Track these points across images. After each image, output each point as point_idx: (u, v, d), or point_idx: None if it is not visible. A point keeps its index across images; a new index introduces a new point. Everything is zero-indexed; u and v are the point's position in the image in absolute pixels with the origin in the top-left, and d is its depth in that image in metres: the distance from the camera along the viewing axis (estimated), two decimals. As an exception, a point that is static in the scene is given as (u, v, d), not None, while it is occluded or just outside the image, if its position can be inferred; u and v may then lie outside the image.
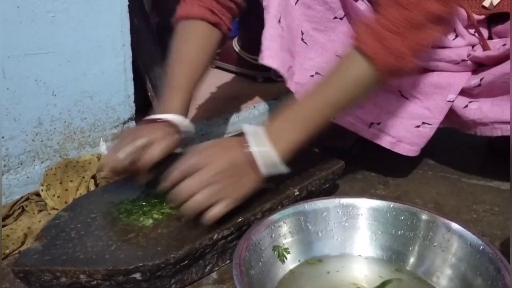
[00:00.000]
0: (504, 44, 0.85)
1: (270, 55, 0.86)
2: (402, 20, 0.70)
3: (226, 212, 0.69)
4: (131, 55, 0.99)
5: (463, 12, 0.89)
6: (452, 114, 0.95)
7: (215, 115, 1.23)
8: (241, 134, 0.73)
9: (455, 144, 1.14)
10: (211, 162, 0.68)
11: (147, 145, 0.77)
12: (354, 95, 0.76)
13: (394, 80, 0.79)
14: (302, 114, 0.74)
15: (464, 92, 0.92)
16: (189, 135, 0.87)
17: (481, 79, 0.88)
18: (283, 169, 0.72)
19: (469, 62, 0.90)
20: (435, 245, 0.68)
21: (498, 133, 0.89)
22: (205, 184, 0.67)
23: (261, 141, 0.71)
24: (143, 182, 0.79)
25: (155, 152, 0.78)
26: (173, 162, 0.71)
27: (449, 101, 0.92)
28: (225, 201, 0.69)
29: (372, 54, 0.71)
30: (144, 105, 1.13)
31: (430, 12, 0.71)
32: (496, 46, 0.88)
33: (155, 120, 0.83)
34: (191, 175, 0.68)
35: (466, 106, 0.92)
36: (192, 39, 0.92)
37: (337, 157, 0.93)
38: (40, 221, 0.81)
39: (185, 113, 0.87)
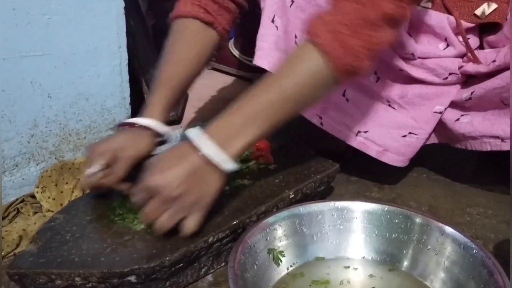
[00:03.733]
0: (494, 61, 0.86)
1: (261, 55, 0.86)
2: (357, 15, 0.68)
3: (199, 223, 0.69)
4: (127, 57, 0.99)
5: (453, 19, 0.89)
6: (442, 127, 0.95)
7: (211, 116, 1.23)
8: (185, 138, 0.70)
9: (449, 147, 1.14)
10: (169, 178, 0.66)
11: (115, 157, 0.78)
12: (309, 92, 0.72)
13: (348, 82, 0.77)
14: (250, 113, 0.69)
15: (456, 105, 0.93)
16: (169, 138, 0.86)
17: (471, 93, 0.89)
18: (235, 165, 0.69)
19: (459, 75, 0.90)
20: (429, 248, 0.68)
21: (488, 147, 0.90)
22: (168, 204, 0.66)
23: (207, 143, 0.67)
24: (122, 193, 0.78)
25: (120, 170, 0.78)
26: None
27: (435, 112, 0.92)
28: (195, 213, 0.68)
29: (330, 50, 0.68)
30: (139, 107, 1.13)
31: (384, 12, 0.69)
32: (487, 58, 0.89)
33: (132, 124, 0.83)
34: (153, 196, 0.66)
35: (458, 119, 0.92)
36: (182, 38, 0.90)
37: (332, 160, 0.93)
38: (35, 223, 0.81)
39: (162, 115, 0.85)
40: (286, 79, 0.70)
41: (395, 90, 0.92)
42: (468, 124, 0.91)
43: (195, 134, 0.68)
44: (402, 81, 0.93)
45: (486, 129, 0.89)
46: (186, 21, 0.89)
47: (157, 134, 0.83)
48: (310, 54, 0.69)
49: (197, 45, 0.90)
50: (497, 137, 0.88)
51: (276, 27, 0.85)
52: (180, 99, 0.90)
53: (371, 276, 0.69)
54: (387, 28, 0.70)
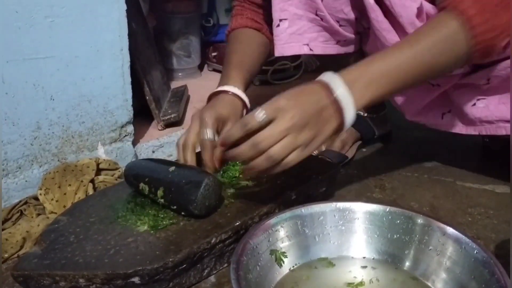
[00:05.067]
0: (506, 47, 0.85)
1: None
2: None
3: (301, 160, 0.68)
4: (129, 59, 0.99)
5: None
6: (459, 112, 0.95)
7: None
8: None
9: (450, 147, 1.15)
10: (300, 106, 0.66)
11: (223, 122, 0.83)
12: (442, 60, 0.73)
13: (479, 60, 0.78)
14: (386, 65, 0.71)
15: (473, 88, 0.93)
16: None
17: (488, 79, 0.88)
18: (355, 116, 0.70)
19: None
20: (430, 249, 0.69)
21: (503, 132, 0.90)
22: (289, 131, 0.66)
23: (342, 86, 0.68)
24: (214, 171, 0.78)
25: (233, 134, 0.73)
26: None
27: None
28: (302, 150, 0.68)
29: (475, 23, 0.69)
30: (142, 109, 1.14)
31: None
32: None
33: (225, 92, 0.89)
34: (276, 117, 0.66)
35: (474, 104, 0.93)
36: (241, 39, 1.00)
37: (333, 160, 0.93)
38: (38, 225, 0.82)
39: (243, 87, 0.91)
40: (422, 44, 0.72)
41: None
42: (485, 108, 0.91)
43: (330, 76, 0.69)
44: None
45: (502, 113, 0.89)
46: (238, 31, 1.02)
47: (245, 107, 0.90)
48: (452, 23, 0.71)
49: (253, 42, 1.01)
50: None
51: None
52: (250, 83, 0.96)
53: (373, 276, 0.69)
54: None
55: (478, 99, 0.92)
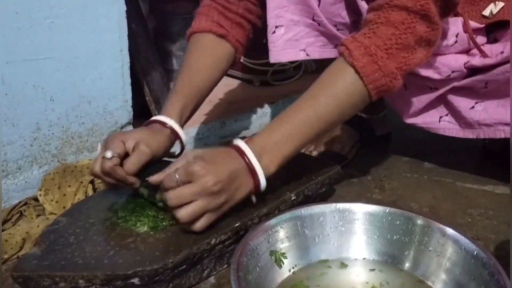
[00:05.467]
0: (502, 52, 0.86)
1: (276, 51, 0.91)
2: (394, 39, 0.74)
3: (209, 224, 0.70)
4: (129, 60, 0.99)
5: (460, 19, 0.90)
6: (457, 115, 0.95)
7: (212, 118, 1.24)
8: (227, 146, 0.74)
9: (450, 148, 1.15)
10: (216, 171, 0.68)
11: (134, 146, 0.78)
12: (342, 110, 0.77)
13: (381, 97, 0.81)
14: (290, 127, 0.74)
15: (471, 93, 0.93)
16: (179, 139, 0.86)
17: (486, 83, 0.89)
18: (265, 184, 0.73)
19: (462, 71, 0.90)
20: (430, 250, 0.69)
21: (501, 135, 0.90)
22: (200, 195, 0.67)
23: (250, 152, 0.71)
24: (134, 186, 0.78)
25: (135, 163, 0.76)
26: (161, 168, 0.73)
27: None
28: (212, 214, 0.70)
29: (366, 73, 0.74)
30: (141, 110, 1.14)
31: (420, 36, 0.75)
32: (492, 50, 0.89)
33: (151, 122, 0.85)
34: (190, 181, 0.67)
35: (473, 107, 0.93)
36: (196, 51, 0.94)
37: (333, 161, 0.93)
38: (38, 226, 0.82)
39: (180, 118, 0.87)
40: (322, 98, 0.76)
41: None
42: (483, 111, 0.92)
43: (242, 143, 0.72)
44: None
45: (501, 116, 0.90)
46: (201, 36, 0.95)
47: (174, 136, 0.84)
48: (346, 74, 0.75)
49: (210, 56, 0.94)
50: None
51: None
52: (196, 107, 0.92)
53: (372, 277, 0.69)
54: (422, 49, 0.77)
55: (476, 102, 0.93)
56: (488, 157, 1.12)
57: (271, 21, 0.89)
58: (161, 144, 0.81)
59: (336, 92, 0.76)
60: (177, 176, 0.68)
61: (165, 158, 0.84)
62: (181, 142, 0.86)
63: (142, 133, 0.80)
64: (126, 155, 0.78)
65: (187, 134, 1.17)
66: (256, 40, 1.05)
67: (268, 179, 0.73)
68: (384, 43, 0.74)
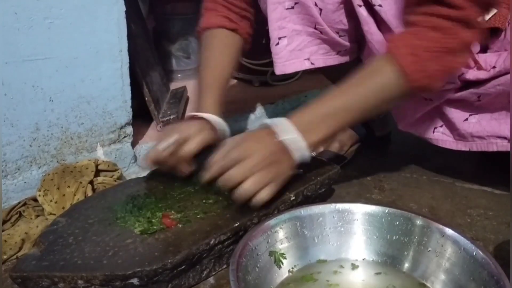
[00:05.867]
0: (494, 67, 0.86)
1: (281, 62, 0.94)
2: (439, 43, 0.75)
3: (272, 195, 0.75)
4: (128, 60, 0.99)
5: None
6: (451, 126, 0.96)
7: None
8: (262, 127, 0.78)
9: (449, 149, 1.15)
10: (252, 152, 0.72)
11: (185, 139, 0.83)
12: (380, 103, 0.79)
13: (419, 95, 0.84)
14: (328, 110, 0.78)
15: (465, 105, 0.93)
16: (222, 132, 0.91)
17: (479, 96, 0.89)
18: (309, 155, 0.78)
19: (456, 83, 0.90)
20: (430, 250, 0.69)
21: (494, 148, 0.91)
22: (252, 172, 0.72)
23: (288, 130, 0.75)
24: (185, 173, 0.85)
25: (192, 145, 0.83)
26: (210, 155, 0.77)
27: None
28: (270, 186, 0.74)
29: (409, 71, 0.75)
30: (141, 110, 1.14)
31: (464, 41, 0.76)
32: (487, 61, 0.88)
33: (192, 117, 0.90)
34: (234, 165, 0.72)
35: (466, 119, 0.93)
36: (216, 46, 0.98)
37: (332, 162, 0.93)
38: (37, 226, 0.82)
39: (218, 111, 0.91)
40: (362, 89, 0.78)
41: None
42: (477, 123, 0.92)
43: (278, 121, 0.76)
44: None
45: (494, 128, 0.90)
46: (214, 31, 0.99)
47: (216, 129, 0.89)
48: (388, 70, 0.76)
49: (228, 50, 0.99)
50: (504, 138, 0.89)
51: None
52: (225, 99, 0.96)
53: (372, 278, 0.69)
54: (465, 53, 0.79)
55: (470, 115, 0.93)
56: (487, 158, 1.12)
57: (274, 33, 0.90)
58: (212, 137, 0.87)
59: (376, 85, 0.78)
60: (231, 155, 0.73)
61: None
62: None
63: (195, 126, 0.86)
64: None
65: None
66: (256, 40, 1.05)
67: None
68: (429, 45, 0.75)
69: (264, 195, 0.73)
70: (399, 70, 0.75)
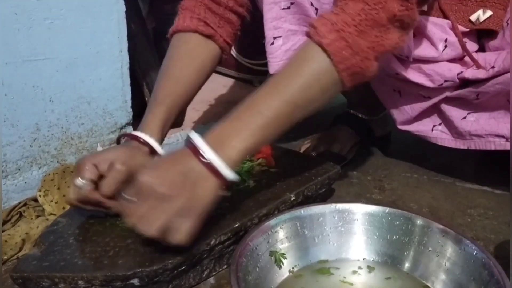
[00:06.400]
0: (493, 67, 0.86)
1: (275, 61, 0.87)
2: (363, 16, 0.67)
3: (188, 234, 0.63)
4: (128, 60, 1.00)
5: (449, 23, 0.90)
6: (450, 125, 0.96)
7: (212, 119, 1.24)
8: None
9: (450, 149, 1.15)
10: (160, 175, 0.62)
11: (109, 166, 0.72)
12: (313, 95, 0.68)
13: (355, 84, 0.70)
14: (254, 115, 0.66)
15: (464, 103, 0.93)
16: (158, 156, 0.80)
17: (477, 94, 0.89)
18: (234, 175, 0.65)
19: (455, 81, 0.90)
20: (430, 250, 0.69)
21: (492, 147, 0.91)
22: (156, 203, 0.61)
23: (206, 147, 0.63)
24: (109, 211, 0.73)
25: (110, 184, 0.71)
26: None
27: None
28: (184, 222, 0.62)
29: (334, 50, 0.66)
30: (141, 110, 1.14)
31: (393, 13, 0.67)
32: (486, 60, 0.89)
33: (133, 137, 0.79)
34: (142, 196, 0.62)
35: (465, 117, 0.93)
36: (181, 54, 0.88)
37: (333, 162, 0.93)
38: (38, 227, 0.82)
39: (162, 134, 0.81)
40: (289, 81, 0.68)
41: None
42: (475, 122, 0.92)
43: (196, 138, 0.64)
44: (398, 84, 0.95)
45: (492, 127, 0.90)
46: (185, 35, 0.88)
47: (153, 154, 0.78)
48: (314, 54, 0.67)
49: (196, 60, 0.88)
50: (502, 136, 0.89)
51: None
52: (178, 117, 0.86)
53: (372, 277, 0.69)
54: (396, 30, 0.70)
55: (469, 113, 0.93)
56: (487, 157, 1.12)
57: (269, 33, 0.86)
58: (138, 162, 0.73)
59: (303, 74, 0.67)
60: (127, 197, 0.63)
61: None
62: None
63: (116, 152, 0.75)
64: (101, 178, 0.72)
65: (186, 134, 1.17)
66: (256, 40, 1.05)
67: (266, 178, 0.70)
68: (353, 19, 0.66)
69: (177, 235, 0.62)
70: (326, 52, 0.66)
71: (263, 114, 0.66)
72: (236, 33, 0.94)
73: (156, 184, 0.61)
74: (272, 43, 0.87)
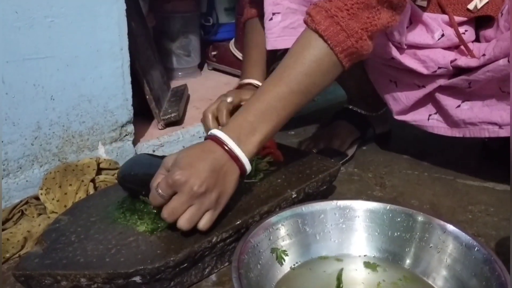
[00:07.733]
0: (484, 54, 0.86)
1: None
2: (356, 1, 0.72)
3: (213, 220, 0.70)
4: (129, 59, 0.99)
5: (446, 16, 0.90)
6: (444, 113, 0.96)
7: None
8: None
9: (450, 145, 1.15)
10: (195, 173, 0.67)
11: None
12: (316, 79, 0.75)
13: (353, 63, 0.77)
14: (264, 105, 0.73)
15: (457, 92, 0.93)
16: None
17: (469, 83, 0.89)
18: (249, 166, 0.72)
19: (448, 69, 0.91)
20: (431, 246, 0.69)
21: (486, 134, 0.91)
22: (192, 200, 0.67)
23: (228, 139, 0.71)
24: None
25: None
26: None
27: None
28: (212, 210, 0.69)
29: (329, 35, 0.72)
30: (142, 108, 1.14)
31: None
32: (480, 49, 0.89)
33: (242, 85, 0.98)
34: (177, 191, 0.67)
35: (459, 106, 0.94)
36: (257, 32, 1.02)
37: (333, 159, 0.93)
38: (39, 225, 0.82)
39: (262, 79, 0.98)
40: (292, 70, 0.74)
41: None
42: (469, 110, 0.92)
43: (218, 132, 0.72)
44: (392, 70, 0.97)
45: (485, 115, 0.90)
46: (256, 20, 1.03)
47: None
48: (312, 41, 0.74)
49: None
50: (495, 124, 0.89)
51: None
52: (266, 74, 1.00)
53: (373, 274, 0.70)
54: (386, 11, 0.75)
55: (463, 101, 0.94)
56: (488, 154, 1.12)
57: (268, 8, 0.90)
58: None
59: (304, 62, 0.74)
60: (160, 192, 0.67)
61: None
62: None
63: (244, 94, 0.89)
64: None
65: (187, 132, 1.18)
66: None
67: (267, 175, 0.72)
68: (344, 3, 0.72)
69: (205, 222, 0.69)
70: (320, 37, 0.73)
71: (271, 105, 0.73)
72: None
73: (192, 184, 0.66)
74: (271, 19, 0.92)
